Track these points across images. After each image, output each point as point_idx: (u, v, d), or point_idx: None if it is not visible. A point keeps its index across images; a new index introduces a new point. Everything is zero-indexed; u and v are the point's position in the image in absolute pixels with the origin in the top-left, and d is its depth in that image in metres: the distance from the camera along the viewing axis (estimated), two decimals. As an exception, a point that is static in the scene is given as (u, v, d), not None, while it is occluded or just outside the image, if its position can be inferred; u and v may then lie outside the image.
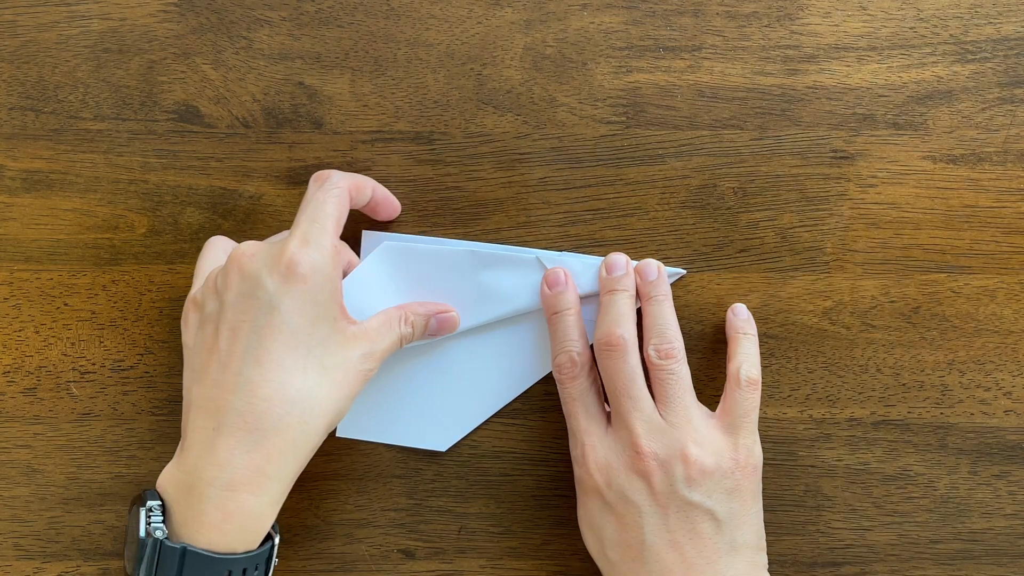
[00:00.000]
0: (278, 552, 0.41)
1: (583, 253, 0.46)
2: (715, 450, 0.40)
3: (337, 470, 0.46)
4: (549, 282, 0.44)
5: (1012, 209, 0.46)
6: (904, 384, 0.46)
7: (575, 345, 0.43)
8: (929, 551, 0.46)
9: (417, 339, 0.43)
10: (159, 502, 0.38)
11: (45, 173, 0.46)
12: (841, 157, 0.46)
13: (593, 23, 0.46)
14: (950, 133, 0.46)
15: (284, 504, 0.46)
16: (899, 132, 0.46)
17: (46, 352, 0.46)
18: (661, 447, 0.40)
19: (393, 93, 0.46)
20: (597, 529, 0.41)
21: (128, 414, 0.46)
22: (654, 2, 0.46)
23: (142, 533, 0.37)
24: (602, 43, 0.46)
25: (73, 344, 0.46)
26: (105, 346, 0.46)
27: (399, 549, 0.46)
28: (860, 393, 0.46)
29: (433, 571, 0.46)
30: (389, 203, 0.45)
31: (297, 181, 0.46)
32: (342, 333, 0.39)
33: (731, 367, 0.43)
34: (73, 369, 0.46)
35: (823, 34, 0.46)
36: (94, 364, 0.46)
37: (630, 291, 0.43)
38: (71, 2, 0.46)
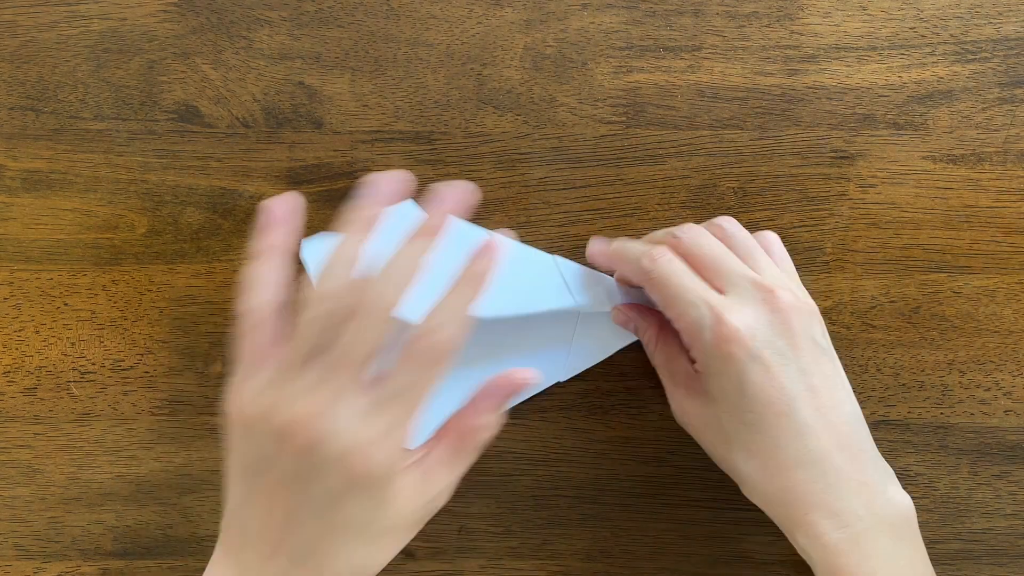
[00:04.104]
0: None
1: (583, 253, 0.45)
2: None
3: (337, 470, 0.46)
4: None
5: (1012, 209, 0.46)
6: (904, 384, 0.46)
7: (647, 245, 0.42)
8: (929, 551, 0.46)
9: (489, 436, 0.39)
10: None
11: (45, 173, 0.46)
12: (841, 157, 0.46)
13: (593, 23, 0.46)
14: (950, 133, 0.46)
15: (284, 504, 0.46)
16: (899, 132, 0.46)
17: (46, 352, 0.46)
18: (787, 296, 0.39)
19: (393, 93, 0.46)
20: (734, 393, 0.38)
21: (128, 414, 0.46)
22: (654, 2, 0.46)
23: None
24: (602, 43, 0.46)
25: (73, 344, 0.46)
26: (105, 346, 0.46)
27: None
28: (860, 393, 0.46)
29: (433, 571, 0.46)
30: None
31: (297, 181, 0.46)
32: (405, 490, 0.36)
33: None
34: (73, 369, 0.46)
35: (823, 34, 0.46)
36: (94, 364, 0.46)
37: None
38: (71, 2, 0.46)
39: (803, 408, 0.37)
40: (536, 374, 0.39)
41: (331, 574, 0.35)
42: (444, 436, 0.38)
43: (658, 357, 0.43)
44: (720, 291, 0.39)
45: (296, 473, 0.34)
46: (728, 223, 0.42)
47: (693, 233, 0.41)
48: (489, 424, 0.38)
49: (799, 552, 0.39)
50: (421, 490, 0.36)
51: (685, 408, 0.41)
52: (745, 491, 0.40)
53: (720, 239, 0.41)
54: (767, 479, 0.38)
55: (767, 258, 0.41)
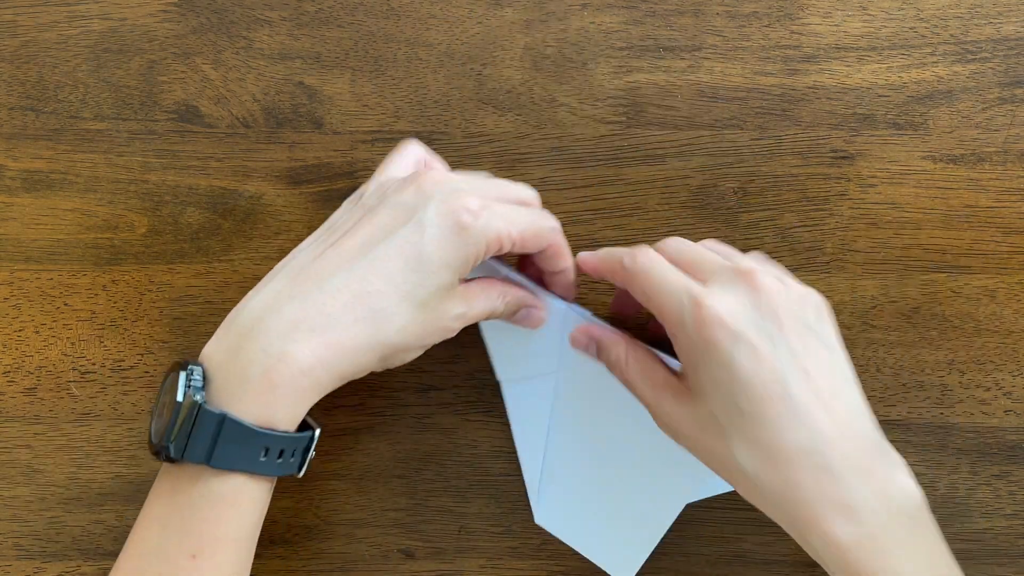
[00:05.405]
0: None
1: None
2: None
3: (337, 470, 0.46)
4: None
5: (1012, 209, 0.46)
6: (904, 384, 0.46)
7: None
8: (929, 551, 0.46)
9: (500, 318, 0.42)
10: (200, 368, 0.37)
11: (45, 173, 0.46)
12: (841, 157, 0.46)
13: (593, 23, 0.46)
14: (950, 133, 0.46)
15: (285, 504, 0.46)
16: (899, 132, 0.46)
17: (46, 352, 0.46)
18: (770, 279, 0.37)
19: (393, 93, 0.46)
20: (725, 381, 0.36)
21: (128, 414, 0.46)
22: (654, 2, 0.46)
23: (180, 396, 0.36)
24: (602, 43, 0.46)
25: (73, 344, 0.46)
26: (105, 346, 0.46)
27: (399, 549, 0.46)
28: (860, 393, 0.46)
29: (433, 571, 0.46)
30: (564, 282, 0.43)
31: (297, 181, 0.46)
32: (453, 287, 0.38)
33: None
34: (73, 369, 0.46)
35: (823, 34, 0.46)
36: (94, 364, 0.46)
37: None
38: (71, 2, 0.46)
39: (799, 391, 0.35)
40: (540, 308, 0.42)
41: (369, 301, 0.37)
42: (484, 282, 0.41)
43: (632, 371, 0.41)
44: (702, 283, 0.38)
45: (407, 204, 0.38)
46: (711, 242, 0.41)
47: (674, 240, 0.41)
48: (506, 303, 0.41)
49: (812, 555, 0.36)
50: (457, 300, 0.39)
51: (673, 414, 0.39)
52: (748, 494, 0.38)
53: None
54: (771, 472, 0.36)
55: (751, 256, 0.40)
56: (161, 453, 0.36)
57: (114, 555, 0.46)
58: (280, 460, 0.37)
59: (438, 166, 0.43)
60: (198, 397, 0.36)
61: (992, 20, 0.46)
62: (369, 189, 0.40)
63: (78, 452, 0.46)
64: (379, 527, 0.46)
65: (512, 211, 0.39)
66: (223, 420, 0.35)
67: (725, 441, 0.37)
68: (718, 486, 0.43)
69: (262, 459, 0.36)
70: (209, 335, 0.46)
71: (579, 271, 0.42)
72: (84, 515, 0.46)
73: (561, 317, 0.43)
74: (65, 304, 0.46)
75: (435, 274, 0.37)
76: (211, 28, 0.46)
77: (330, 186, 0.46)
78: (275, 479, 0.38)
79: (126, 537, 0.45)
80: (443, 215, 0.37)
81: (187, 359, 0.37)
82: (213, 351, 0.37)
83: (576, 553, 0.46)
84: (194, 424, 0.35)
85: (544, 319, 0.43)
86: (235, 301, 0.46)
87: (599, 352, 0.42)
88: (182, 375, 0.36)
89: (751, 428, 0.36)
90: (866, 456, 0.36)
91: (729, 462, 0.37)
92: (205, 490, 0.36)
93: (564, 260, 0.42)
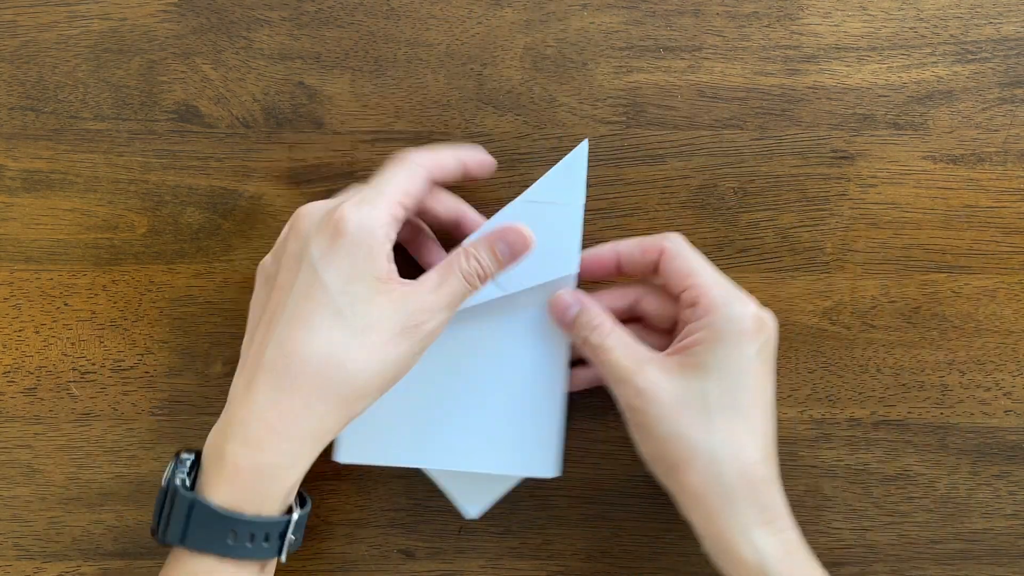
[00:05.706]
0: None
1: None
2: None
3: (337, 470, 0.46)
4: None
5: (1012, 209, 0.46)
6: (904, 384, 0.46)
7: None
8: (929, 551, 0.46)
9: (494, 272, 0.41)
10: (192, 455, 0.38)
11: (45, 173, 0.46)
12: (841, 157, 0.46)
13: (593, 23, 0.46)
14: (950, 133, 0.46)
15: (284, 504, 0.46)
16: (899, 132, 0.46)
17: (46, 352, 0.46)
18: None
19: (393, 93, 0.46)
20: (735, 370, 0.39)
21: (128, 414, 0.46)
22: (654, 2, 0.46)
23: (164, 481, 0.38)
24: (602, 43, 0.46)
25: (73, 344, 0.46)
26: (105, 346, 0.46)
27: (399, 549, 0.46)
28: (860, 393, 0.46)
29: (433, 571, 0.46)
30: (482, 167, 0.43)
31: (297, 181, 0.46)
32: (385, 295, 0.37)
33: None
34: (73, 369, 0.46)
35: (823, 34, 0.46)
36: (94, 364, 0.46)
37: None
38: (71, 2, 0.46)
39: (770, 411, 0.40)
40: (531, 234, 0.41)
41: (303, 356, 0.37)
42: (438, 265, 0.40)
43: (615, 339, 0.41)
44: None
45: (294, 253, 0.38)
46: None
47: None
48: (478, 258, 0.40)
49: (727, 561, 0.39)
50: (402, 298, 0.38)
51: (658, 383, 0.39)
52: (687, 479, 0.39)
53: None
54: (736, 461, 0.39)
55: None
56: (153, 535, 0.38)
57: (114, 555, 0.46)
58: (251, 545, 0.37)
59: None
60: (178, 481, 0.37)
61: (992, 20, 0.46)
62: (267, 260, 0.41)
63: (78, 452, 0.46)
64: (379, 527, 0.46)
65: (391, 176, 0.39)
66: (192, 503, 0.37)
67: (707, 421, 0.39)
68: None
69: (230, 542, 0.37)
70: (209, 335, 0.46)
71: (599, 269, 0.43)
72: (84, 515, 0.46)
73: (562, 281, 0.43)
74: (65, 304, 0.46)
75: (347, 292, 0.37)
76: (211, 28, 0.46)
77: (330, 186, 0.46)
78: (263, 564, 0.39)
79: (126, 537, 0.45)
80: (320, 240, 0.37)
81: (187, 448, 0.39)
82: (209, 438, 0.39)
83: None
84: (172, 507, 0.37)
85: (532, 238, 0.41)
86: (235, 301, 0.46)
87: (580, 314, 0.42)
88: (171, 463, 0.38)
89: (737, 419, 0.39)
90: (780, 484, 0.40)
91: (696, 440, 0.39)
92: (183, 572, 0.37)
93: (455, 164, 0.42)
